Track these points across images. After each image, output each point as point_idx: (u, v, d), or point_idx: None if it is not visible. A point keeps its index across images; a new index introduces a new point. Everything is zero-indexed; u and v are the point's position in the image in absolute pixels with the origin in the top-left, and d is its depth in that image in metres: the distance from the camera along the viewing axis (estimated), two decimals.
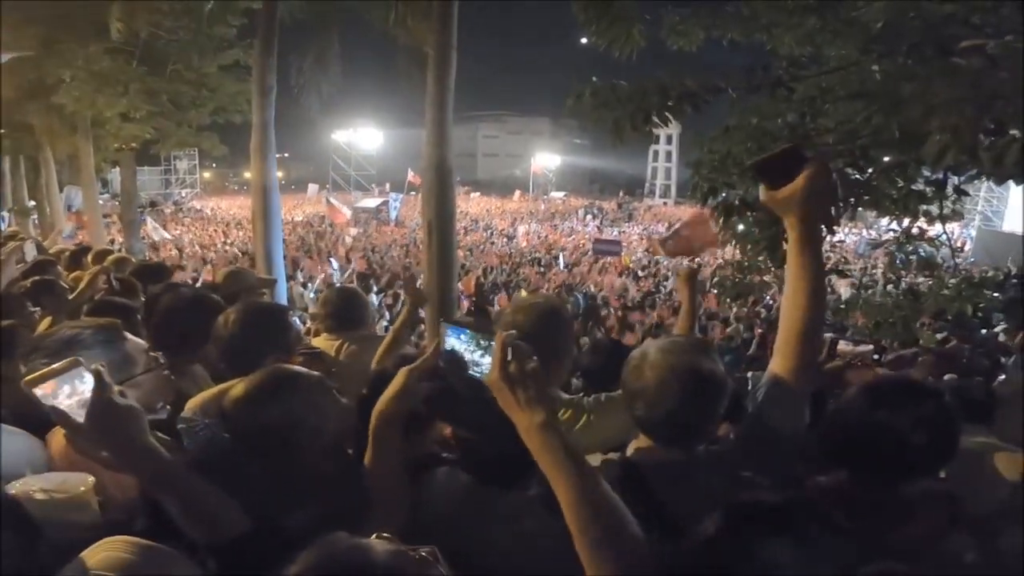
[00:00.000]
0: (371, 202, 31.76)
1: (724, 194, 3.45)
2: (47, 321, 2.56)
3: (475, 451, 1.33)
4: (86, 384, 1.05)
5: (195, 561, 1.07)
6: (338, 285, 7.59)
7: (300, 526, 1.06)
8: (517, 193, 45.70)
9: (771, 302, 10.24)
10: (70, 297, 2.90)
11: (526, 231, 23.87)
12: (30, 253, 3.47)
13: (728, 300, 6.08)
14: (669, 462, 1.32)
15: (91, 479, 1.25)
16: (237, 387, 1.38)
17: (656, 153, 52.02)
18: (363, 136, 44.34)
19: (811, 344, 1.28)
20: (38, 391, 1.03)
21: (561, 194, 47.66)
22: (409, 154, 31.06)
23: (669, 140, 49.79)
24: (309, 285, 11.43)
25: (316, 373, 1.45)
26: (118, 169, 18.79)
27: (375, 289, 10.74)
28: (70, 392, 1.04)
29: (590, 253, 17.63)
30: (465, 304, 9.73)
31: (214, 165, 47.48)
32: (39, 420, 1.41)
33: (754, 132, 3.21)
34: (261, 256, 8.36)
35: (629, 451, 1.43)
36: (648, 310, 10.54)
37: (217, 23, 10.47)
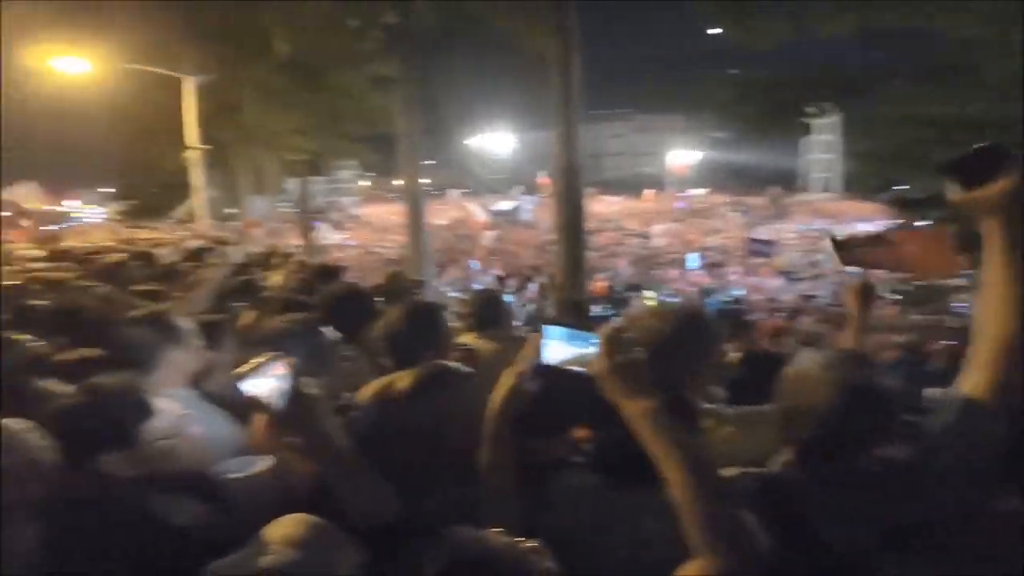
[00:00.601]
0: (505, 205, 32.74)
1: (903, 188, 3.09)
2: (250, 315, 3.05)
3: (601, 451, 1.35)
4: (282, 375, 1.19)
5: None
6: (479, 287, 8.00)
7: (434, 515, 1.16)
8: (648, 192, 44.32)
9: (960, 309, 8.91)
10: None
11: (664, 230, 23.08)
12: (235, 256, 4.16)
13: (906, 307, 5.43)
14: (820, 480, 1.27)
15: (274, 460, 1.44)
16: (404, 379, 1.54)
17: (812, 144, 47.33)
18: (495, 140, 46.10)
19: (1016, 359, 1.17)
20: (244, 381, 1.18)
21: (702, 191, 45.32)
22: (540, 156, 31.62)
23: (828, 130, 45.05)
24: (452, 286, 12.23)
25: (470, 370, 1.59)
26: (294, 179, 21.55)
27: (510, 290, 11.16)
28: (269, 382, 1.19)
29: (739, 253, 16.46)
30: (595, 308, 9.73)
31: (372, 174, 52.33)
32: (244, 407, 1.63)
33: (935, 120, 2.85)
34: (411, 259, 9.08)
35: (773, 466, 1.39)
36: (802, 318, 9.69)
37: (360, 39, 11.47)
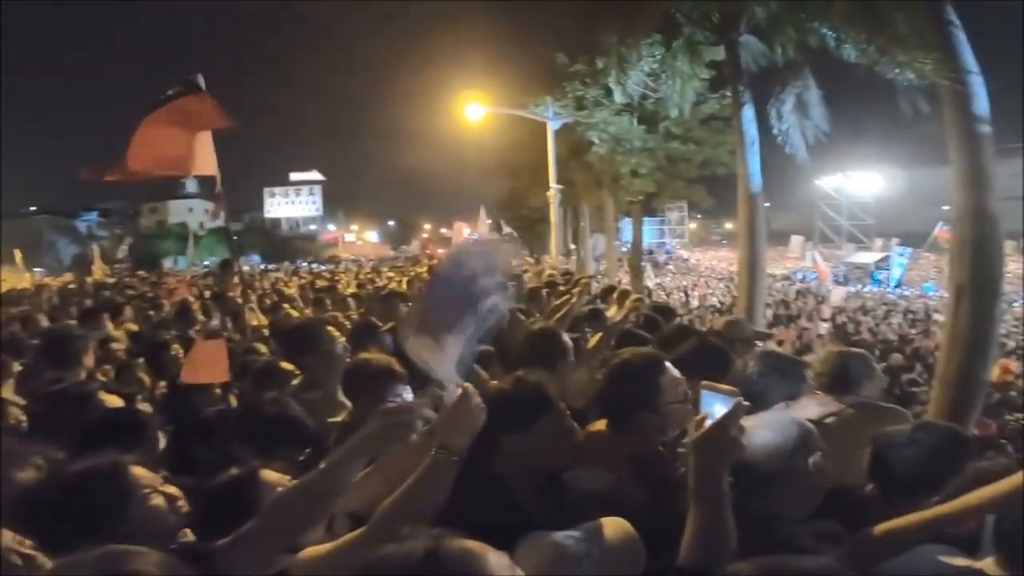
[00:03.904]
0: (866, 257, 28.01)
1: None
2: (597, 338, 3.38)
3: None
4: (727, 409, 1.18)
5: None
6: (838, 348, 7.00)
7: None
8: None
9: None
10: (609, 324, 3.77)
11: None
12: (590, 288, 4.68)
13: None
14: None
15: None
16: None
17: None
18: (857, 181, 39.68)
19: None
20: (707, 393, 1.23)
21: None
22: (920, 200, 25.96)
23: None
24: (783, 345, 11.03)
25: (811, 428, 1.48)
26: (628, 219, 22.91)
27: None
28: (716, 407, 1.20)
29: None
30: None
31: (699, 216, 51.73)
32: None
33: None
34: (743, 308, 8.53)
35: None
36: None
37: (690, 78, 11.32)
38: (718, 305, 16.67)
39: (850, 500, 1.57)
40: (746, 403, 1.21)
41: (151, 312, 6.97)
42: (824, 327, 11.76)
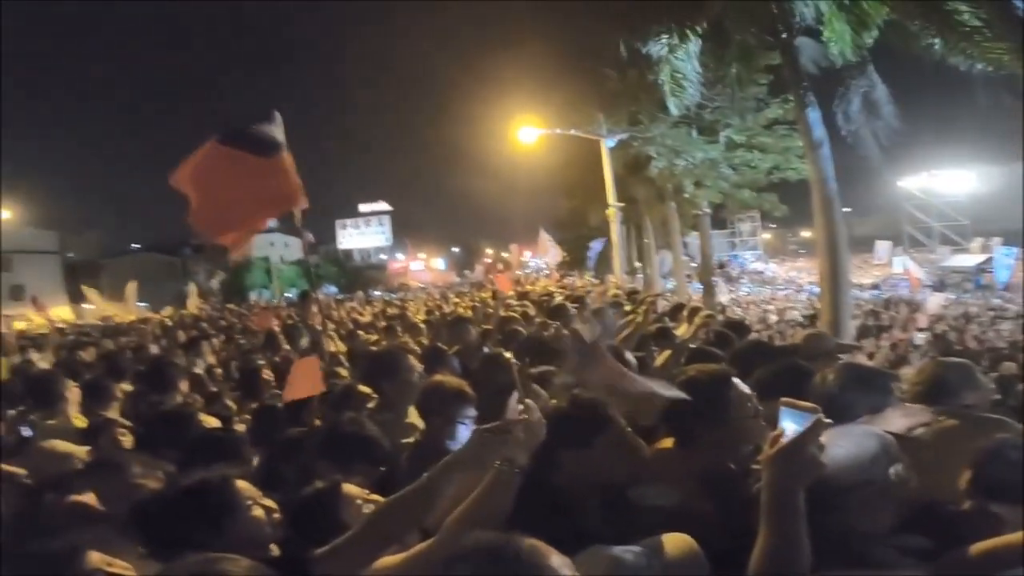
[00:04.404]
0: (966, 260, 25.69)
1: None
2: (665, 356, 3.32)
3: None
4: (803, 428, 1.14)
5: None
6: (938, 358, 6.49)
7: None
8: None
9: None
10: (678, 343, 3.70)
11: None
12: (660, 305, 4.63)
13: None
14: None
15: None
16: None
17: None
18: (945, 180, 36.57)
19: None
20: (786, 408, 1.19)
21: None
22: (1018, 196, 23.60)
23: None
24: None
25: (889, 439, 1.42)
26: (695, 233, 22.28)
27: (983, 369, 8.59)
28: (791, 424, 1.17)
29: None
30: None
31: (773, 226, 49.41)
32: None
33: None
34: (827, 321, 8.07)
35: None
36: None
37: (746, 85, 10.94)
38: (800, 319, 15.77)
39: (944, 515, 1.47)
40: (827, 420, 1.17)
41: (242, 341, 7.50)
42: (921, 337, 10.87)
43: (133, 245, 57.42)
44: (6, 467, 2.46)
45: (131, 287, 12.85)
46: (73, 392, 3.30)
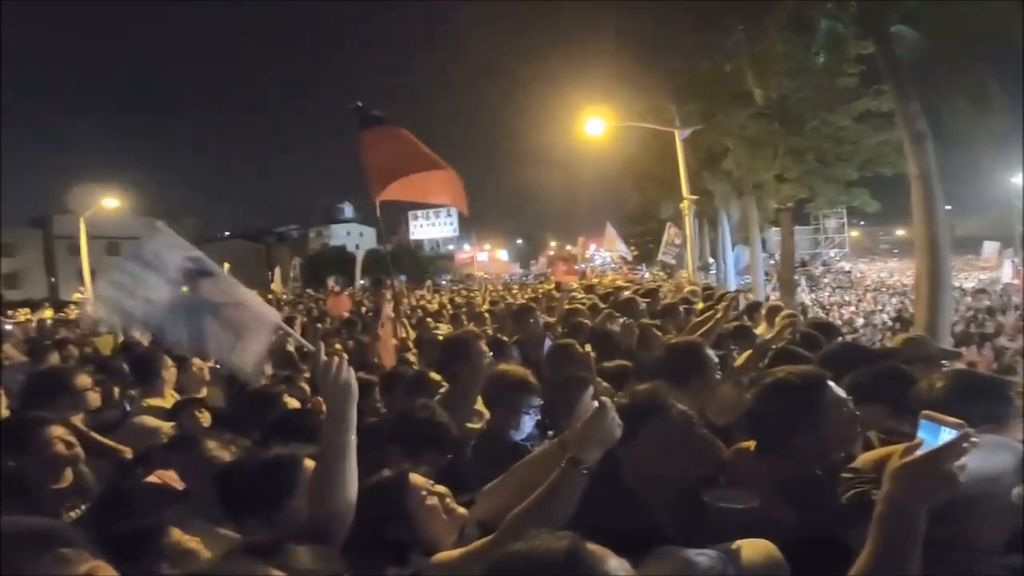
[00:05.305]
0: None
1: None
2: (746, 355, 3.15)
3: None
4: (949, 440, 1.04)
5: None
6: None
7: None
8: None
9: None
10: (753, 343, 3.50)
11: None
12: (737, 303, 4.42)
13: None
14: None
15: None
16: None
17: None
18: None
19: None
20: (927, 419, 1.07)
21: None
22: None
23: None
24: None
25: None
26: (775, 229, 21.11)
27: None
28: (933, 437, 1.07)
29: None
30: None
31: (862, 223, 46.08)
32: None
33: None
34: (923, 325, 7.41)
35: None
36: None
37: (835, 75, 10.16)
38: (888, 322, 14.68)
39: None
40: (975, 439, 1.04)
41: (319, 324, 7.84)
42: None
43: (224, 233, 61.55)
44: (108, 442, 2.68)
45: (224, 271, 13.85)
46: (171, 371, 3.50)
